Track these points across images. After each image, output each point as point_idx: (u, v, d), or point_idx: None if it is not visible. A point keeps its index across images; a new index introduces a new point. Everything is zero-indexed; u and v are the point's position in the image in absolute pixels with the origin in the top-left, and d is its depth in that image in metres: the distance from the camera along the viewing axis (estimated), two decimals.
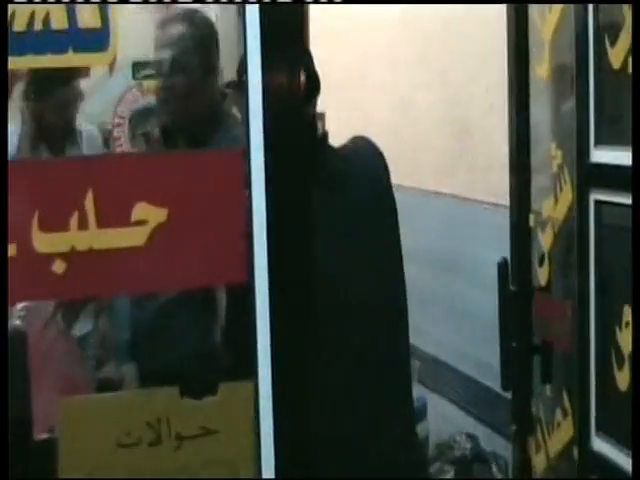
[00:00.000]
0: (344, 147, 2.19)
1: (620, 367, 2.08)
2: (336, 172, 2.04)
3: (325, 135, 2.10)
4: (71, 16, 1.32)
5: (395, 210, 2.15)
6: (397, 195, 4.14)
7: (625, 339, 2.05)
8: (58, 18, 1.32)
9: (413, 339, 3.87)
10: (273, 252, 1.40)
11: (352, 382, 1.98)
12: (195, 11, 2.37)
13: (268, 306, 1.41)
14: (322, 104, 5.12)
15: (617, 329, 2.08)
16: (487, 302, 2.70)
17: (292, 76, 1.37)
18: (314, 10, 4.94)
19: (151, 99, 5.52)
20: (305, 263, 1.42)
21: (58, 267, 1.35)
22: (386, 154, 4.27)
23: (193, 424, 1.43)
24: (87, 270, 1.37)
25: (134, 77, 5.99)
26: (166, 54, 2.18)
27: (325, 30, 4.90)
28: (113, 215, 1.36)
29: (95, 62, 1.36)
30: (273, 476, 1.44)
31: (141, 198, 1.36)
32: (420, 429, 3.55)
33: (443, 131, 3.67)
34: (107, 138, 6.26)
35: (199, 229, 1.40)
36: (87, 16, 1.32)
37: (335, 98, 4.76)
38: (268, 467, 1.44)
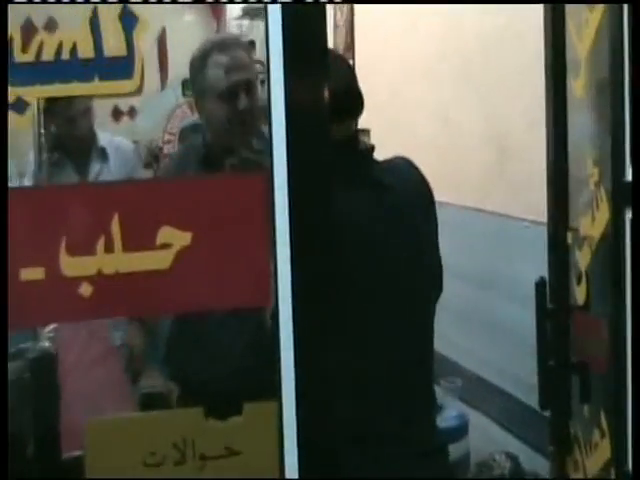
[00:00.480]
0: (389, 162, 2.25)
1: None
2: (383, 184, 2.11)
3: (371, 149, 2.15)
4: (97, 45, 1.35)
5: (436, 222, 2.27)
6: (439, 212, 4.15)
7: None
8: (85, 47, 1.36)
9: (456, 356, 3.88)
10: (297, 274, 1.41)
11: (378, 381, 2.03)
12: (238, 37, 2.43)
13: (292, 327, 1.42)
14: (365, 121, 5.14)
15: None
16: (528, 320, 2.67)
17: (317, 88, 1.38)
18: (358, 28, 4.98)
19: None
20: (329, 284, 1.43)
21: (85, 290, 1.37)
22: (429, 170, 4.27)
23: (217, 444, 1.45)
24: (113, 293, 1.40)
25: (184, 94, 6.08)
26: (235, 77, 2.23)
27: (365, 46, 4.93)
28: (138, 239, 1.38)
29: (120, 90, 1.39)
30: None
31: (166, 222, 1.38)
32: (461, 447, 3.53)
33: (484, 148, 3.66)
34: (157, 155, 6.36)
35: (223, 253, 1.41)
36: (113, 44, 1.35)
37: (378, 115, 4.78)
38: None
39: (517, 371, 3.31)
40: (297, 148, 1.37)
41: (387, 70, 4.63)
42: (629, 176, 2.16)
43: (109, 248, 1.38)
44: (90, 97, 3.20)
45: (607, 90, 2.21)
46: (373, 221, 2.05)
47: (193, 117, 5.76)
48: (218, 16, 7.87)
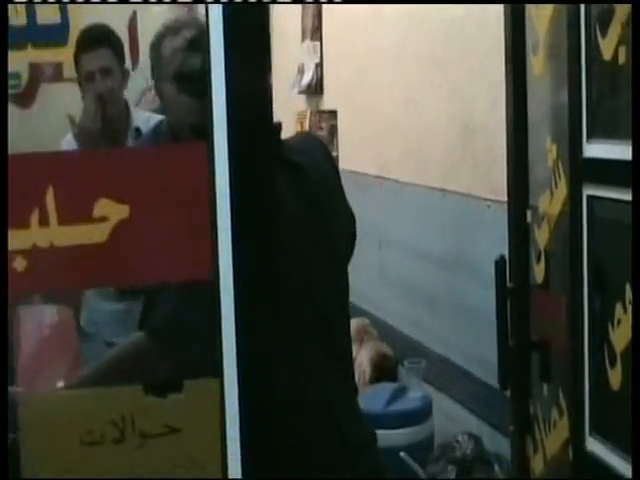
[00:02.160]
0: (294, 139, 2.28)
1: (613, 365, 2.05)
2: (292, 162, 2.09)
3: (279, 127, 2.12)
4: (30, 12, 1.32)
5: (345, 201, 2.25)
6: (405, 193, 4.15)
7: (618, 336, 2.02)
8: (17, 14, 1.32)
9: (420, 337, 3.88)
10: (238, 248, 1.38)
11: (306, 367, 2.00)
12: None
13: (233, 302, 1.39)
14: (333, 103, 5.15)
15: (610, 326, 2.04)
16: (491, 300, 2.66)
17: (256, 67, 1.36)
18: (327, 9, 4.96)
19: None
20: (270, 258, 1.41)
21: (19, 264, 1.34)
22: (394, 151, 4.28)
23: (157, 422, 1.42)
24: (48, 266, 1.36)
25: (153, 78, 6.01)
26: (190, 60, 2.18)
27: (332, 29, 4.90)
28: (74, 212, 1.35)
29: (55, 55, 1.35)
30: (240, 476, 1.43)
31: (103, 194, 1.35)
32: (425, 428, 3.53)
33: (447, 129, 3.65)
34: None
35: (162, 225, 1.38)
36: (46, 12, 1.31)
37: (345, 97, 4.76)
38: (234, 466, 1.42)
39: (480, 351, 3.30)
40: (238, 114, 1.35)
41: (354, 53, 4.60)
42: (586, 152, 2.14)
43: (44, 221, 1.34)
44: (114, 56, 3.01)
45: (565, 66, 2.19)
46: (286, 199, 2.03)
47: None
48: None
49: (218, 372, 1.41)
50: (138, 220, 1.37)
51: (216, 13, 1.34)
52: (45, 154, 1.32)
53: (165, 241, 1.39)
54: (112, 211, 1.36)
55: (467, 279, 3.49)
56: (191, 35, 2.18)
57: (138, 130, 3.21)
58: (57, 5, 1.30)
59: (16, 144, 1.32)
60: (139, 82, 6.39)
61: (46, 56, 1.32)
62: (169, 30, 2.24)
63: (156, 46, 2.24)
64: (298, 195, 2.07)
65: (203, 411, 1.42)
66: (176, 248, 1.40)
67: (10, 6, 1.32)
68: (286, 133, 2.26)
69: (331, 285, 2.12)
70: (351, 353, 2.23)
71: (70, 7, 1.31)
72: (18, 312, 2.30)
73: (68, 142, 3.07)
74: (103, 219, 1.36)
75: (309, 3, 4.36)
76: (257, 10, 1.36)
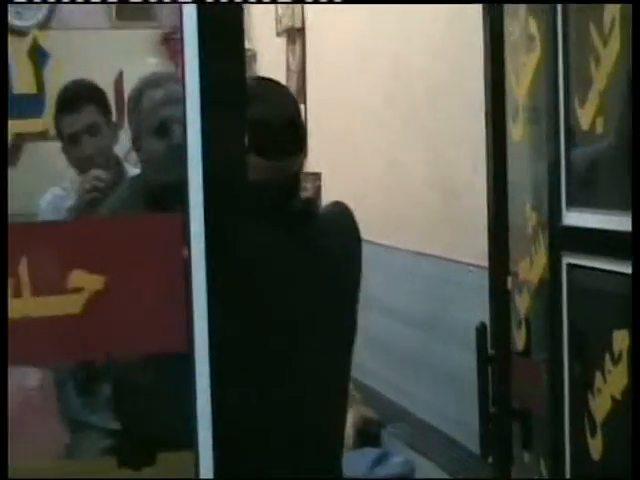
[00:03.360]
0: (324, 215, 2.23)
1: (593, 435, 2.03)
2: (317, 248, 2.08)
3: (314, 201, 2.10)
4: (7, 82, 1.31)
5: (359, 280, 2.21)
6: (388, 256, 4.13)
7: (598, 406, 2.00)
8: None
9: (403, 401, 3.85)
10: (213, 318, 1.37)
11: (291, 436, 1.95)
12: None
13: (208, 373, 1.38)
14: (316, 164, 5.17)
15: (590, 395, 2.03)
16: (472, 364, 2.64)
17: (237, 120, 1.36)
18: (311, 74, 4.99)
19: None
20: (246, 328, 1.39)
21: None
22: (376, 214, 4.29)
23: None
24: (22, 338, 1.35)
25: (131, 132, 5.99)
26: (169, 111, 2.16)
27: (317, 90, 4.95)
28: (48, 283, 1.34)
29: (30, 128, 1.34)
30: None
31: (77, 265, 1.34)
32: None
33: (429, 191, 3.66)
34: None
35: (137, 296, 1.37)
36: (23, 82, 1.31)
37: (328, 158, 4.78)
38: None
39: (462, 416, 3.27)
40: (214, 183, 1.34)
41: (338, 114, 4.63)
42: (565, 220, 2.15)
43: (17, 292, 1.33)
44: (100, 111, 2.77)
45: (544, 134, 2.21)
46: (303, 287, 2.02)
47: None
48: (175, 58, 7.83)
49: (193, 443, 1.39)
50: (113, 291, 1.36)
51: (192, 59, 1.34)
52: (19, 225, 1.31)
53: (140, 312, 1.38)
54: (86, 282, 1.35)
55: (448, 343, 3.48)
56: (171, 88, 2.16)
57: None
58: (32, 71, 1.29)
59: None
60: (125, 141, 6.37)
61: (23, 127, 1.31)
62: (149, 83, 2.23)
63: (135, 99, 2.23)
64: (318, 281, 2.04)
65: None
66: (151, 319, 1.39)
67: None
68: None
69: (326, 352, 2.07)
70: (345, 418, 2.20)
71: (49, 71, 1.30)
72: None
73: (48, 201, 2.78)
74: (77, 290, 1.35)
75: (308, 3, 4.36)
76: (235, 57, 1.36)
